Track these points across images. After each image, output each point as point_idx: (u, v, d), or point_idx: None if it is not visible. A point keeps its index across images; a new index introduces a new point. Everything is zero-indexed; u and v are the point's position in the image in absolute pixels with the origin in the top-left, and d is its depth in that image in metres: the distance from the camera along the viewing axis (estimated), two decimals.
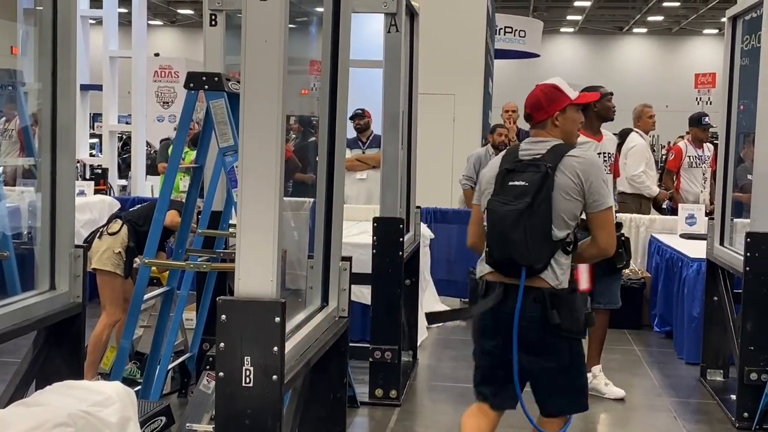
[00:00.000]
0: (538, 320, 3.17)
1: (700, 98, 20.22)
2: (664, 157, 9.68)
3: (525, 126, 8.89)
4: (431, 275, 7.48)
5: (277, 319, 2.25)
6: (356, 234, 6.65)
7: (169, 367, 4.66)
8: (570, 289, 3.21)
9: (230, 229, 4.69)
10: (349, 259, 3.24)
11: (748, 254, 4.67)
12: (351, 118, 8.64)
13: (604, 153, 5.16)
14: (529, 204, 3.16)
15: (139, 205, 5.41)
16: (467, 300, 7.76)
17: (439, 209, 8.29)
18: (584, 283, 3.48)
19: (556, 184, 3.18)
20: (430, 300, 7.36)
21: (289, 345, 2.49)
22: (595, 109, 5.12)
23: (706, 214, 7.23)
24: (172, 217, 4.69)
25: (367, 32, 7.71)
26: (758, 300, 4.68)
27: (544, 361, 3.24)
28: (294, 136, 11.97)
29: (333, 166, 3.17)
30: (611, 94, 5.25)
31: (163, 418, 3.32)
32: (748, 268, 4.68)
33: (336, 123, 3.16)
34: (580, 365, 3.32)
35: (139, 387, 4.27)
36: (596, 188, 3.19)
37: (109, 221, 5.14)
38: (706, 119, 8.19)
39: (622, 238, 5.08)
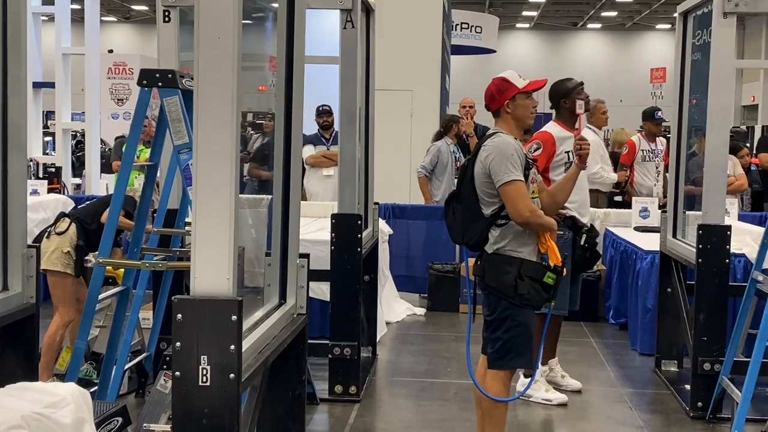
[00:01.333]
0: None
1: (655, 93, 20.47)
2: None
3: (481, 121, 9.06)
4: (390, 271, 7.50)
5: (234, 318, 2.24)
6: (315, 231, 6.64)
7: (126, 367, 4.61)
8: (503, 257, 3.73)
9: (186, 228, 4.65)
10: (306, 256, 3.23)
11: (700, 246, 4.74)
12: (319, 114, 8.66)
13: None
14: (456, 193, 3.87)
15: (87, 203, 5.33)
16: (426, 295, 7.90)
17: (398, 205, 8.31)
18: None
19: (475, 171, 3.75)
20: (389, 296, 7.39)
21: (246, 343, 2.48)
22: (566, 106, 5.14)
23: (660, 207, 7.34)
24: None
25: (324, 28, 7.69)
26: (710, 291, 4.76)
27: (483, 311, 3.88)
28: (252, 132, 11.90)
29: (289, 162, 3.16)
30: (581, 84, 5.22)
31: (120, 419, 3.28)
32: (700, 260, 4.76)
33: (292, 120, 3.15)
34: (503, 323, 3.75)
35: (96, 388, 4.22)
36: (493, 168, 3.68)
37: (57, 220, 5.06)
38: (659, 113, 8.29)
39: (587, 240, 4.91)
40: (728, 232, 4.72)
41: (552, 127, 5.21)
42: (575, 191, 4.40)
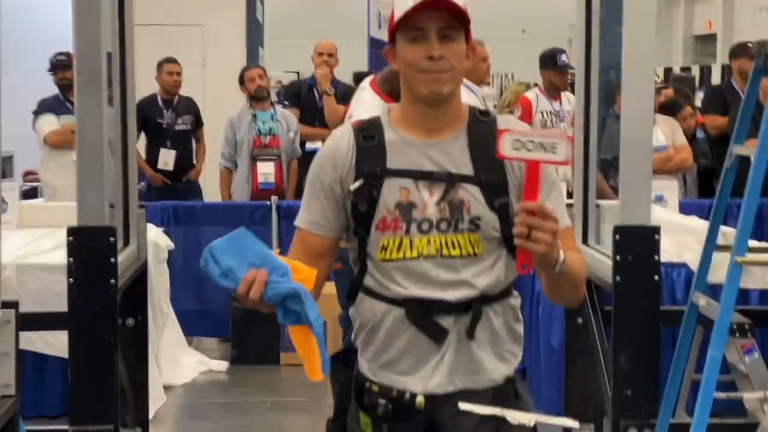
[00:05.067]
0: None
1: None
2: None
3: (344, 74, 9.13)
4: (172, 305, 7.41)
5: None
6: (49, 250, 6.56)
7: None
8: None
9: None
10: (13, 305, 3.14)
11: (618, 257, 4.83)
12: (55, 68, 8.53)
13: None
14: None
15: None
16: (229, 340, 7.85)
17: (182, 204, 8.22)
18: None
19: None
20: (171, 344, 7.30)
21: None
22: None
23: (569, 195, 7.55)
24: None
25: None
26: (635, 322, 4.85)
27: None
28: None
29: None
30: None
31: None
32: (618, 278, 4.85)
33: None
34: None
35: None
36: None
37: None
38: (563, 57, 8.52)
39: None
40: (656, 236, 4.83)
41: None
42: None
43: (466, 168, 3.01)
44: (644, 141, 4.97)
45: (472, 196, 3.00)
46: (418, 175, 3.00)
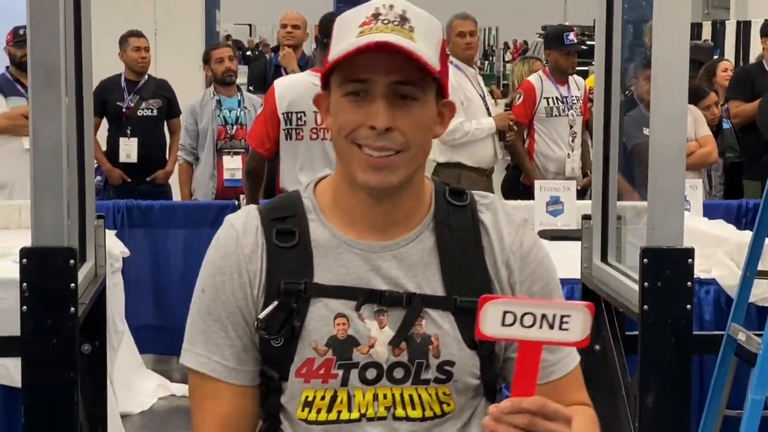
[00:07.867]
0: None
1: None
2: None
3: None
4: (127, 321, 7.37)
5: None
6: None
7: None
8: None
9: None
10: None
11: (646, 284, 4.82)
12: (16, 43, 8.45)
13: None
14: None
15: None
16: None
17: (138, 203, 8.11)
18: None
19: None
20: (126, 366, 7.23)
21: None
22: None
23: (580, 191, 7.54)
24: None
25: None
26: (663, 356, 4.89)
27: None
28: None
29: None
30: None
31: None
32: (646, 307, 4.86)
33: None
34: None
35: None
36: None
37: None
38: (570, 36, 8.50)
39: None
40: (689, 260, 4.84)
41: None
42: None
43: (434, 285, 2.33)
44: (677, 149, 4.87)
45: (441, 329, 2.33)
46: (361, 297, 2.31)
